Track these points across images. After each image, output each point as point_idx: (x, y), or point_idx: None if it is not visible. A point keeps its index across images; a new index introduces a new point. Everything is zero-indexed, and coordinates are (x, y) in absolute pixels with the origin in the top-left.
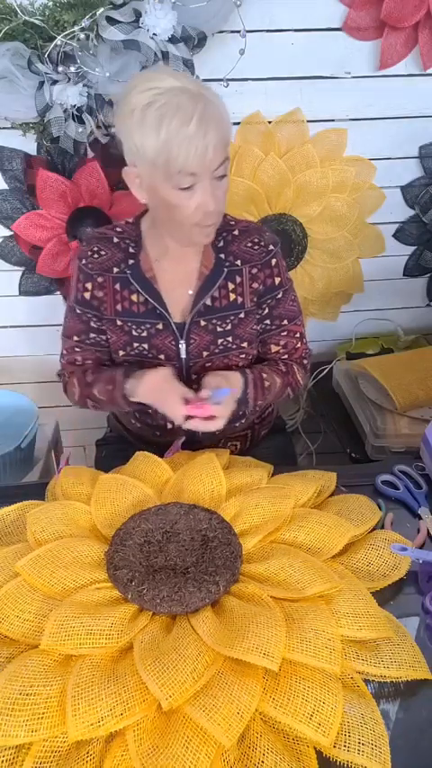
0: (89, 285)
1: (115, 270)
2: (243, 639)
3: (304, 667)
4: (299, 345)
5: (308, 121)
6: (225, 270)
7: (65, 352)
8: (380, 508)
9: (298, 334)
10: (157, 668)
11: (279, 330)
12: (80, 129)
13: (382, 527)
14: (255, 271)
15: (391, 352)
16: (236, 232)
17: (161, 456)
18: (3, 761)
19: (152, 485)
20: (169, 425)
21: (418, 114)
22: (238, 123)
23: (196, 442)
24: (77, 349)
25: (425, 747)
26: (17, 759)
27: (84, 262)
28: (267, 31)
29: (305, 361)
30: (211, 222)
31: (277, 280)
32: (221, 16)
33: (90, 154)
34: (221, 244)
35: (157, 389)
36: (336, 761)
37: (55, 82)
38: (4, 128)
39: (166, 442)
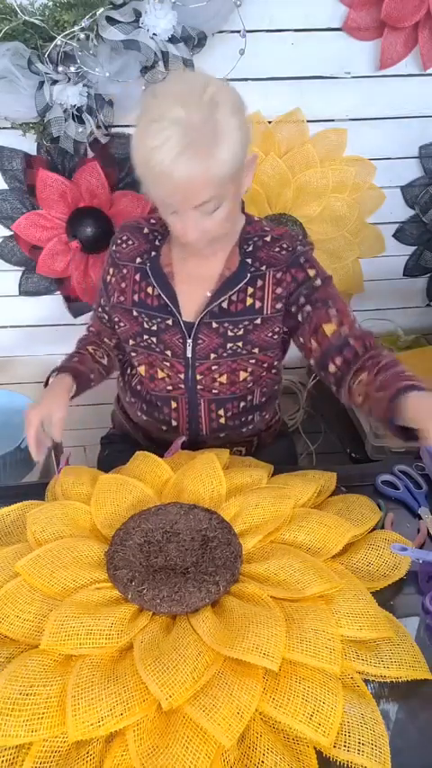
0: (111, 270)
1: (138, 260)
2: (243, 639)
3: (304, 667)
4: (357, 327)
5: (308, 121)
6: (248, 274)
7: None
8: (380, 508)
9: (352, 317)
10: (157, 668)
11: (325, 309)
12: (80, 129)
13: (382, 527)
14: (279, 275)
15: (390, 352)
16: (268, 238)
17: (162, 455)
18: (3, 761)
19: (152, 485)
20: (174, 422)
21: (418, 114)
22: None
23: (200, 443)
24: (93, 315)
25: (425, 747)
26: (17, 759)
27: (114, 248)
28: (267, 31)
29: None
30: (200, 247)
31: (311, 272)
32: (221, 16)
33: (90, 154)
34: (250, 248)
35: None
36: (336, 761)
37: (55, 82)
38: (4, 128)
39: (170, 438)
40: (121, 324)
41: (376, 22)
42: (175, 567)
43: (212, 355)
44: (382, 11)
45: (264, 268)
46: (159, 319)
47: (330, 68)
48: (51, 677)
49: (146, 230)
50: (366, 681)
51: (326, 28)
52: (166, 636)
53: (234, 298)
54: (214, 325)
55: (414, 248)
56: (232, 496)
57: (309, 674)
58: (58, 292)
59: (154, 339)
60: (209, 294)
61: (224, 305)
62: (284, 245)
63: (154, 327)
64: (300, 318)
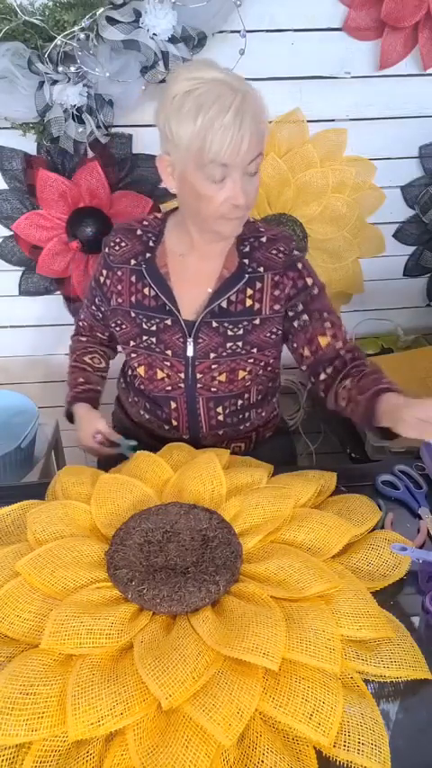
0: (105, 272)
1: (132, 262)
2: (243, 639)
3: (304, 667)
4: (347, 338)
5: (308, 121)
6: (246, 276)
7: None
8: (380, 508)
9: (343, 328)
10: (157, 668)
11: (321, 321)
12: (80, 129)
13: (382, 527)
14: (277, 278)
15: (391, 352)
16: (263, 239)
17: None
18: (3, 760)
19: (152, 484)
20: (174, 422)
21: (418, 114)
22: None
23: (200, 439)
24: (84, 309)
25: (425, 747)
26: (17, 758)
27: (107, 251)
28: (267, 31)
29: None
30: (237, 216)
31: (309, 280)
32: (221, 16)
33: (90, 154)
34: (247, 249)
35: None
36: (336, 761)
37: (55, 82)
38: (4, 128)
39: (171, 438)
40: (122, 326)
41: (376, 22)
42: (175, 566)
43: (212, 354)
44: (382, 11)
45: (261, 270)
46: (158, 319)
47: (330, 68)
48: (51, 676)
49: (139, 232)
50: (366, 681)
51: (326, 28)
52: (166, 635)
53: (233, 298)
54: (214, 324)
55: (414, 248)
56: (232, 496)
57: (309, 673)
58: (58, 292)
59: (153, 339)
60: (210, 291)
61: (223, 304)
62: (281, 248)
63: (153, 328)
64: (296, 325)
